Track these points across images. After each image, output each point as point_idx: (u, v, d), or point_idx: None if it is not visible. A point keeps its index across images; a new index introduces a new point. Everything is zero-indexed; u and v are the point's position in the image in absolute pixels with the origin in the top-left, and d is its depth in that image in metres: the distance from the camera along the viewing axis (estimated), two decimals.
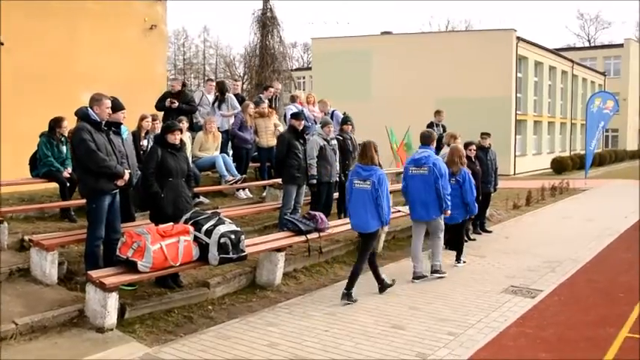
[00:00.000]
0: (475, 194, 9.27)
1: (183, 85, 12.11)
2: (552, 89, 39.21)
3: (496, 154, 12.00)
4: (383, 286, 7.54)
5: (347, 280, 7.25)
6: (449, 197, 8.20)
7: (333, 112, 12.46)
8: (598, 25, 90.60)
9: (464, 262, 9.20)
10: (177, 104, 10.93)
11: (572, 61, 42.29)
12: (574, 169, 31.72)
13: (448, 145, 10.41)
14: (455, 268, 8.86)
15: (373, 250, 7.61)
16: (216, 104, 11.81)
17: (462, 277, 8.41)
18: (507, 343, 5.84)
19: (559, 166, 32.18)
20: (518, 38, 32.33)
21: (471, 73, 30.99)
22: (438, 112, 14.53)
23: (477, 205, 9.37)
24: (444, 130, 13.54)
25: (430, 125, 14.90)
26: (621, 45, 56.01)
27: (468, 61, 31.23)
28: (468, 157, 10.31)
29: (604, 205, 16.64)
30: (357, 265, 7.33)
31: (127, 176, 6.64)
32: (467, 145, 10.60)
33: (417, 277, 8.17)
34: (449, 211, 8.30)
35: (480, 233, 11.65)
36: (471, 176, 9.27)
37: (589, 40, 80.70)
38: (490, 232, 11.88)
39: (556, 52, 41.13)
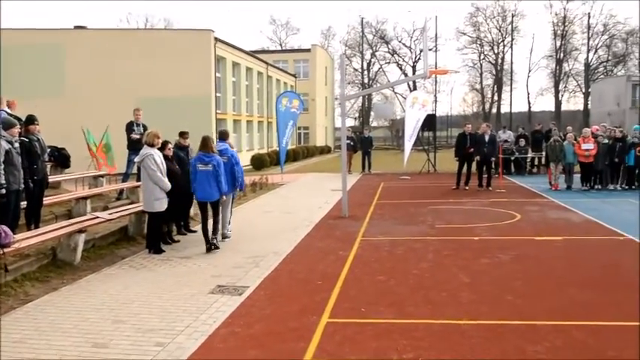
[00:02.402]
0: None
1: None
2: (249, 89, 40.87)
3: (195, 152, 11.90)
4: (211, 246, 9.95)
5: (212, 233, 10.06)
6: (242, 178, 11.20)
7: None
8: (288, 31, 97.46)
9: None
10: None
11: (266, 63, 44.59)
12: (272, 165, 33.44)
13: (150, 145, 9.90)
14: (163, 269, 8.53)
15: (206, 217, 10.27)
16: None
17: (168, 282, 8.10)
18: (217, 346, 5.71)
19: (258, 163, 33.64)
20: (216, 39, 32.94)
21: (171, 72, 30.68)
22: (135, 110, 14.27)
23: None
24: (145, 129, 13.11)
25: (130, 124, 14.41)
26: (309, 50, 61.03)
27: (169, 60, 30.86)
28: (166, 157, 10.22)
29: (300, 198, 17.76)
30: (215, 220, 10.19)
31: None
32: (164, 145, 10.38)
33: (225, 237, 10.91)
34: (239, 188, 11.51)
35: (184, 234, 11.48)
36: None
37: (281, 44, 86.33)
38: (195, 231, 11.76)
39: (252, 54, 42.95)
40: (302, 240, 11.06)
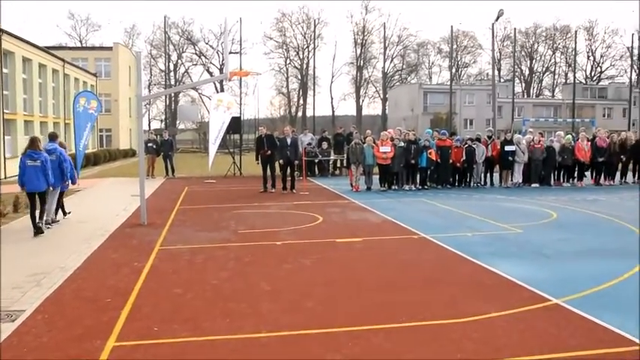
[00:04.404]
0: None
1: None
2: (43, 88, 37.77)
3: None
4: (38, 230, 11.58)
5: (38, 218, 11.69)
6: (71, 173, 13.04)
7: None
8: (89, 27, 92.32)
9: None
10: None
11: (63, 60, 41.51)
12: None
13: None
14: None
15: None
16: None
17: None
18: None
19: None
20: (2, 31, 29.93)
21: None
22: None
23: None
24: None
25: None
26: (111, 48, 58.04)
27: None
28: None
29: (96, 205, 16.58)
30: (42, 209, 11.78)
31: None
32: None
33: (54, 221, 12.84)
34: (69, 182, 13.17)
35: None
36: None
37: (80, 41, 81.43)
38: None
39: (46, 49, 39.72)
40: (94, 252, 10.13)
